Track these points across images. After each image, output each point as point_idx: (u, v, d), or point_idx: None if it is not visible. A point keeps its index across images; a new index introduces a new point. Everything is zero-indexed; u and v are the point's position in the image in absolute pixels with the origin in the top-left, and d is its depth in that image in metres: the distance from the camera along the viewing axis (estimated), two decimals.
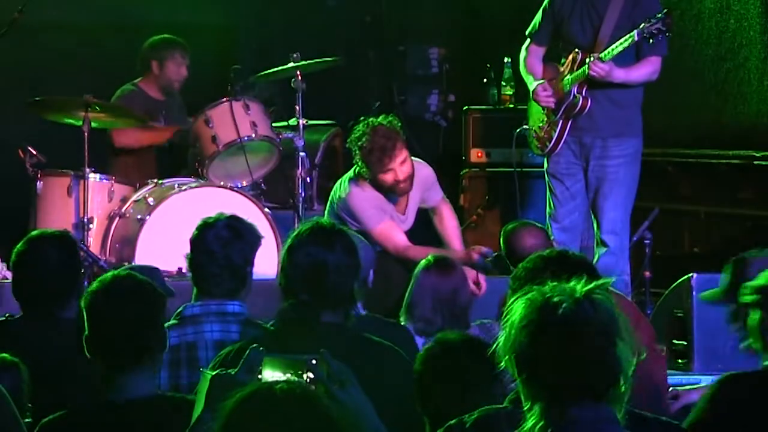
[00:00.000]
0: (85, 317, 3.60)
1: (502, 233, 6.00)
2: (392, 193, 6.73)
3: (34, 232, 4.76)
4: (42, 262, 4.51)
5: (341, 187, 6.80)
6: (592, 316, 2.63)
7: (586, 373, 2.62)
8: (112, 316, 3.55)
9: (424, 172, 6.95)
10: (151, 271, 5.26)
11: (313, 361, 3.06)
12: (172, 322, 4.47)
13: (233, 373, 3.13)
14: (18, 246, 4.62)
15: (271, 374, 3.04)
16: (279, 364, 3.07)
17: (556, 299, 2.64)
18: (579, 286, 2.67)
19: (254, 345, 3.17)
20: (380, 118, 6.68)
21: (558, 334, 2.63)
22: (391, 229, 6.68)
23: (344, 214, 6.70)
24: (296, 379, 2.99)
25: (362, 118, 6.78)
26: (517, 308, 2.68)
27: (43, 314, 4.48)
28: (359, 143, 6.59)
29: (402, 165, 6.63)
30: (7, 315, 4.60)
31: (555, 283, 2.70)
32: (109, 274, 3.71)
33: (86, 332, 3.59)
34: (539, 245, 5.75)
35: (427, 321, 5.30)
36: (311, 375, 3.01)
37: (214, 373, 3.17)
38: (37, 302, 4.51)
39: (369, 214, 6.65)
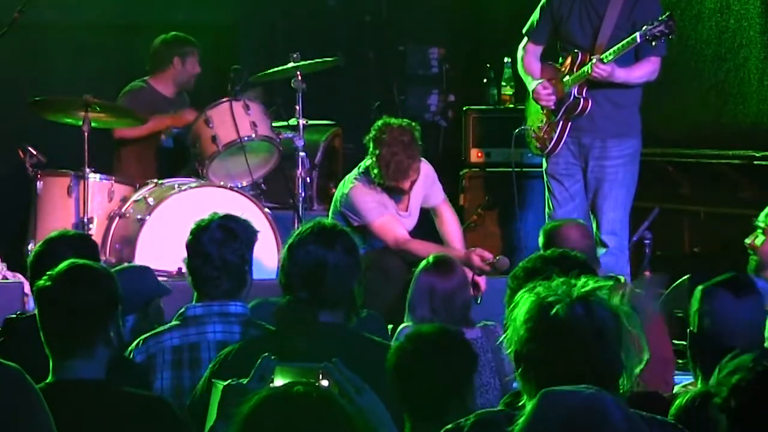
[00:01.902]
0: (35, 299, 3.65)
1: (542, 233, 5.91)
2: (395, 193, 6.75)
3: (53, 233, 4.70)
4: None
5: (344, 185, 6.82)
6: (584, 318, 2.66)
7: (578, 374, 2.63)
8: (58, 299, 3.58)
9: (425, 169, 6.95)
10: (144, 271, 5.27)
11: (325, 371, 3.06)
12: (174, 322, 4.46)
13: (245, 382, 3.13)
14: (37, 246, 4.60)
15: (282, 383, 3.04)
16: (291, 373, 3.07)
17: (551, 299, 2.68)
18: (577, 288, 2.69)
19: (265, 354, 3.17)
20: (405, 125, 6.66)
21: (549, 335, 2.67)
22: (391, 222, 6.68)
23: (346, 210, 6.71)
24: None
25: (384, 117, 6.81)
26: (521, 304, 2.72)
27: None
28: (381, 149, 6.58)
29: (413, 174, 6.68)
30: (18, 313, 4.59)
31: (560, 280, 2.73)
32: (67, 261, 3.71)
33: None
34: (583, 239, 5.73)
35: (426, 322, 5.30)
36: (324, 383, 3.01)
37: (225, 383, 3.17)
38: None
39: (369, 207, 6.66)
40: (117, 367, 3.72)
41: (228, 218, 4.60)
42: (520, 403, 2.73)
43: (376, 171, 6.62)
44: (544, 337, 2.67)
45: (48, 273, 3.63)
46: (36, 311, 3.65)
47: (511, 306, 2.76)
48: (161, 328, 4.48)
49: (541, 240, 5.86)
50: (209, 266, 4.45)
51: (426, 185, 6.95)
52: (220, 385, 3.18)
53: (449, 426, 3.09)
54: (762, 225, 5.53)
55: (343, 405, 2.50)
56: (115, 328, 3.63)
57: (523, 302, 2.73)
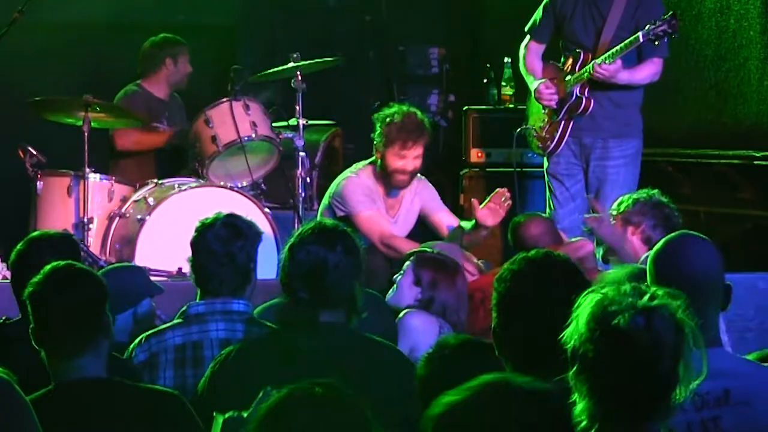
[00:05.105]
0: (29, 308, 3.68)
1: (510, 226, 6.03)
2: (389, 179, 6.68)
3: (34, 233, 4.72)
4: (41, 265, 4.48)
5: (339, 178, 6.80)
6: (644, 331, 2.68)
7: (629, 383, 2.68)
8: (52, 303, 3.62)
9: (421, 184, 6.92)
10: (134, 271, 5.25)
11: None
12: (176, 321, 4.46)
13: (245, 415, 3.13)
14: (18, 245, 4.59)
15: None
16: None
17: (614, 308, 2.70)
18: (644, 300, 2.72)
19: (267, 387, 3.17)
20: (422, 114, 6.70)
21: (607, 343, 2.69)
22: (378, 217, 6.63)
23: (335, 201, 6.68)
24: None
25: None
26: (586, 304, 2.75)
27: None
28: (391, 117, 6.59)
29: (414, 159, 6.61)
30: (4, 318, 4.58)
31: (630, 286, 2.76)
32: (49, 265, 3.75)
33: (31, 323, 3.66)
34: (544, 234, 5.82)
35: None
36: None
37: (226, 416, 3.18)
38: None
39: (358, 199, 6.62)
40: (111, 367, 3.73)
41: (233, 217, 4.62)
42: (571, 399, 2.74)
43: (378, 135, 6.59)
44: (602, 343, 2.69)
45: (33, 279, 3.68)
46: (30, 316, 3.68)
47: (576, 304, 2.78)
48: (163, 326, 4.48)
49: (509, 236, 6.01)
50: (214, 263, 4.46)
51: (424, 198, 6.87)
52: (221, 418, 3.19)
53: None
54: (614, 213, 5.65)
55: (363, 407, 2.51)
56: (106, 322, 3.67)
57: (589, 302, 2.75)
